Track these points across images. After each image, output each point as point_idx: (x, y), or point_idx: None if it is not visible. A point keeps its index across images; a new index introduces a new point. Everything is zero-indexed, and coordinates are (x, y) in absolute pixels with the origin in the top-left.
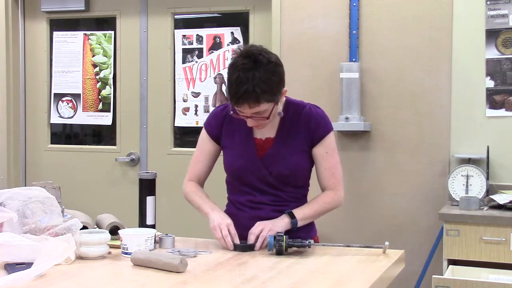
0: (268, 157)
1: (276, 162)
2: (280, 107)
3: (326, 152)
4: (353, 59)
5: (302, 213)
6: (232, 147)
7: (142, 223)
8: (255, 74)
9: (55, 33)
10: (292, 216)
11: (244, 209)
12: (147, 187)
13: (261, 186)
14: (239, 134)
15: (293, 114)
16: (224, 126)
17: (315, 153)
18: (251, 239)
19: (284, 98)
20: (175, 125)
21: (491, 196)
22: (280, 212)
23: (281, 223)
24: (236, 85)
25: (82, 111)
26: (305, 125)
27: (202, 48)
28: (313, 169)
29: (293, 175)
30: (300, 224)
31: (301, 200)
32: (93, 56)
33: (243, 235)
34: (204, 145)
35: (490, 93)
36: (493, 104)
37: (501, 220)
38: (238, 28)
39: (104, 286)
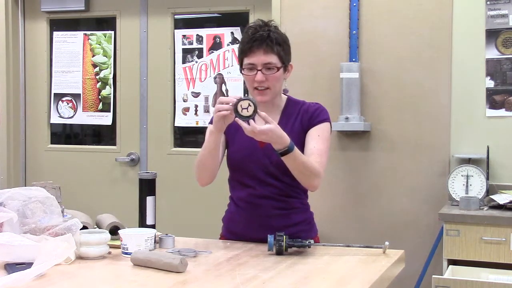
0: (269, 146)
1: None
2: (285, 84)
3: (319, 135)
4: (353, 59)
5: (298, 152)
6: (234, 141)
7: (142, 223)
8: (270, 27)
9: (55, 33)
10: (291, 146)
11: (245, 206)
12: (147, 187)
13: (262, 176)
14: (241, 129)
15: (293, 110)
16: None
17: (308, 134)
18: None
19: (286, 97)
20: (175, 125)
21: (491, 196)
22: (280, 209)
23: (280, 139)
24: (252, 33)
25: (82, 111)
26: (304, 115)
27: (202, 48)
28: None
29: None
30: (286, 158)
31: (301, 195)
32: (93, 56)
33: (242, 235)
34: None
35: (490, 93)
36: (493, 104)
37: (501, 220)
38: (238, 28)
39: (104, 286)
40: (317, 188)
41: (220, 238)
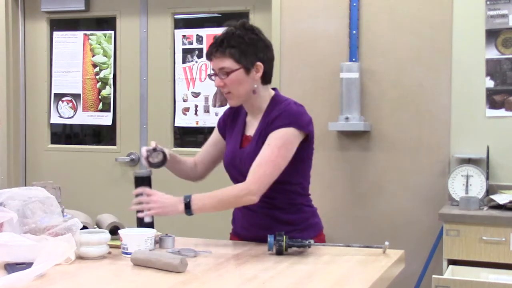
0: (243, 152)
1: (248, 157)
2: (254, 84)
3: (269, 144)
4: (353, 59)
5: (202, 203)
6: (228, 143)
7: (140, 223)
8: (233, 32)
9: (55, 33)
10: (188, 206)
11: (239, 206)
12: (143, 184)
13: (241, 178)
14: (236, 132)
15: (273, 111)
16: (228, 124)
17: None
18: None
19: (273, 93)
20: (175, 125)
21: (491, 196)
22: (266, 208)
23: (172, 209)
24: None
25: (82, 111)
26: (272, 118)
27: (202, 48)
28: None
29: None
30: (197, 213)
31: (291, 195)
32: (93, 56)
33: (239, 233)
34: (211, 136)
35: (490, 93)
36: (493, 104)
37: (501, 220)
38: None
39: (104, 286)
40: (253, 202)
41: (230, 239)
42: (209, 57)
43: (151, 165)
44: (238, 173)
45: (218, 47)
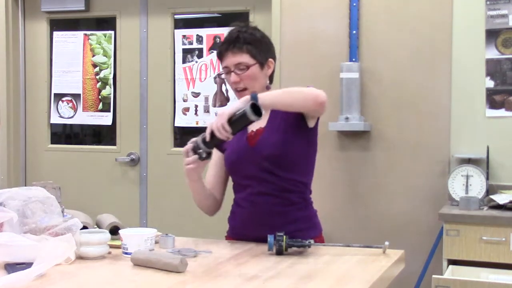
0: (259, 142)
1: (267, 144)
2: (267, 80)
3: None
4: (353, 59)
5: (267, 93)
6: (228, 145)
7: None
8: (244, 30)
9: (55, 33)
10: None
11: (245, 205)
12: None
13: (257, 173)
14: (236, 136)
15: None
16: None
17: None
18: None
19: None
20: (175, 125)
21: (491, 196)
22: (279, 205)
23: (235, 105)
24: (225, 36)
25: (82, 111)
26: None
27: (202, 48)
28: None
29: (285, 155)
30: (263, 101)
31: (302, 188)
32: (93, 56)
33: (243, 234)
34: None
35: (490, 93)
36: (493, 104)
37: (501, 220)
38: None
39: (104, 286)
40: (324, 101)
41: (226, 239)
42: (224, 53)
43: (204, 158)
44: (251, 165)
45: (234, 43)
